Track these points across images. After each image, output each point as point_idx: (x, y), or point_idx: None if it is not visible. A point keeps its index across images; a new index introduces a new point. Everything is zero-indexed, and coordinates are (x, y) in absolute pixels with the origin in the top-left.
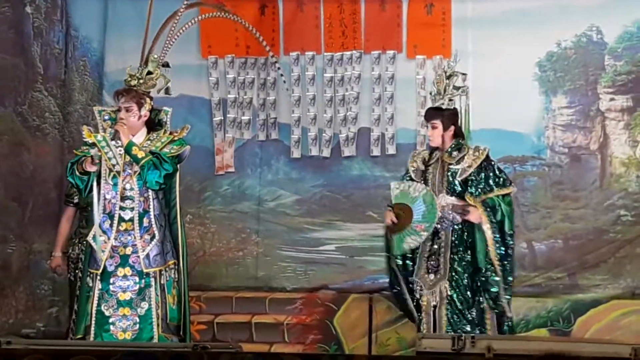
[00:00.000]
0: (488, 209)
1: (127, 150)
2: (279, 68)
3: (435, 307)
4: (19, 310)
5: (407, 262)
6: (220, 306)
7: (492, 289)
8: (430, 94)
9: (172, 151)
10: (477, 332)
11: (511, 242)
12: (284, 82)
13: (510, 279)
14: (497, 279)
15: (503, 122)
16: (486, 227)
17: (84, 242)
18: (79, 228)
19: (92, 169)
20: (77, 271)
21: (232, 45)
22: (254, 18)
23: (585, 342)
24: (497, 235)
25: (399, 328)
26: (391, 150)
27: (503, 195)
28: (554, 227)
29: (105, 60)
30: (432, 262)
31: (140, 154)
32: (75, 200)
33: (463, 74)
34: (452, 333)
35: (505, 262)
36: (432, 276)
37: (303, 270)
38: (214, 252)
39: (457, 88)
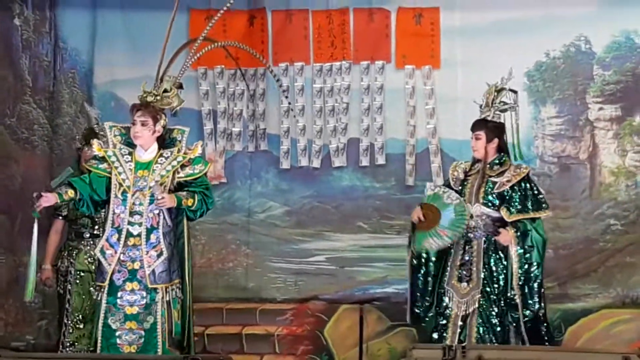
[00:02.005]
0: (518, 233)
1: (179, 207)
2: (275, 76)
3: (466, 316)
4: (9, 323)
5: (430, 264)
6: (210, 317)
7: (513, 313)
8: (480, 106)
9: (195, 172)
10: None
11: (536, 273)
12: (280, 86)
13: (531, 310)
14: (517, 301)
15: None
16: (514, 251)
17: (73, 255)
18: (68, 241)
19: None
20: (66, 284)
21: (222, 56)
22: (243, 29)
23: (576, 351)
24: (523, 261)
25: (389, 338)
26: (380, 160)
27: (535, 220)
28: None
29: (94, 72)
30: (464, 271)
31: (190, 202)
32: (64, 213)
33: (514, 91)
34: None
35: (526, 291)
36: (464, 284)
37: (293, 281)
38: (204, 264)
39: (505, 103)
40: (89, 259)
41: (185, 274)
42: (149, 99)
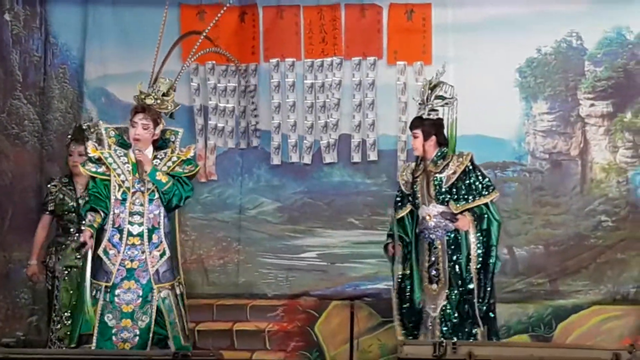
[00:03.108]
0: (475, 216)
1: (151, 176)
2: (244, 77)
3: (435, 318)
4: None
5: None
6: (201, 314)
7: (468, 297)
8: (419, 104)
9: (185, 171)
10: None
11: (492, 255)
12: (247, 86)
13: (486, 292)
14: (471, 286)
15: (484, 128)
16: (472, 235)
17: (60, 251)
18: (55, 237)
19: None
20: (54, 280)
21: (213, 52)
22: (234, 25)
23: (566, 347)
24: (480, 245)
25: (380, 335)
26: (372, 156)
27: (489, 204)
28: (534, 233)
29: (84, 68)
30: (432, 272)
31: (164, 179)
32: (50, 208)
33: (450, 85)
34: None
35: (482, 274)
36: (434, 286)
37: (284, 277)
38: (195, 260)
39: (442, 98)
40: (76, 255)
41: (180, 269)
42: (149, 101)
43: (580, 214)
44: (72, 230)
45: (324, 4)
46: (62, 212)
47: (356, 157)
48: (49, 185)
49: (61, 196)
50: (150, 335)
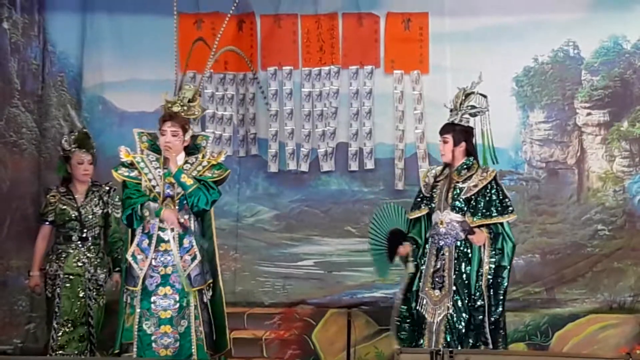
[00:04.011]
0: (491, 234)
1: (176, 177)
2: (258, 83)
3: (438, 324)
4: None
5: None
6: None
7: (477, 315)
8: (450, 110)
9: (214, 176)
10: None
11: (502, 275)
12: (264, 97)
13: (497, 310)
14: (480, 303)
15: (481, 137)
16: (486, 252)
17: (61, 259)
18: (55, 244)
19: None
20: (54, 287)
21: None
22: (232, 34)
23: (563, 356)
24: (493, 260)
25: (377, 343)
26: (369, 165)
27: (504, 224)
28: (531, 241)
29: (82, 76)
30: (437, 279)
31: (189, 182)
32: (50, 219)
33: (484, 96)
34: None
35: (492, 292)
36: (437, 292)
37: (281, 285)
38: None
39: (473, 107)
40: (78, 263)
41: (219, 275)
42: (175, 109)
43: (576, 223)
44: (73, 238)
45: (322, 12)
46: (63, 221)
47: (353, 166)
48: (47, 196)
49: (61, 206)
50: (192, 338)
